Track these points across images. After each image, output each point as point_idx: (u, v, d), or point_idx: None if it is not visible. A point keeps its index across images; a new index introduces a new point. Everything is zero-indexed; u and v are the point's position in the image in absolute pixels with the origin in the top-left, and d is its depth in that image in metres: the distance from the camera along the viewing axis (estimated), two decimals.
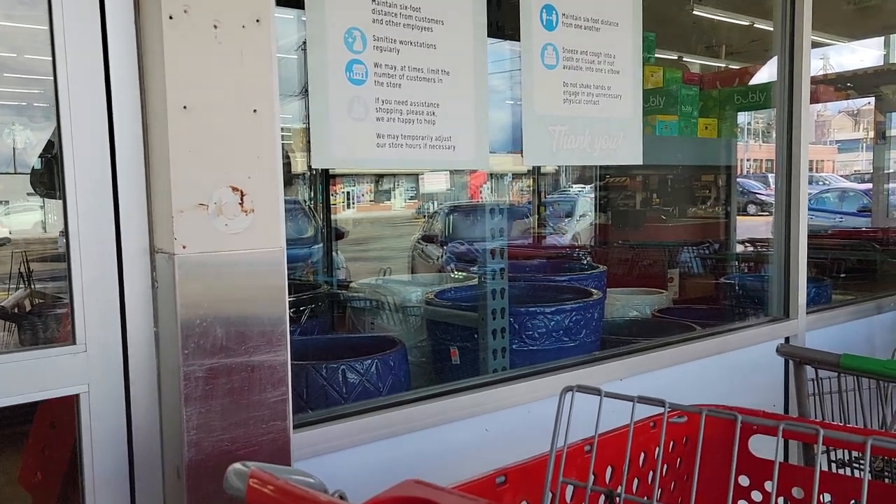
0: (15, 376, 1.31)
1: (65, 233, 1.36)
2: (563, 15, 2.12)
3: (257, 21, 1.43)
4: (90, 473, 1.40)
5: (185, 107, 1.35)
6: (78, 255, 1.36)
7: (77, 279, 1.37)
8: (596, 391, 1.16)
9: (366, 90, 1.75)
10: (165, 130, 1.34)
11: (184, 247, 1.36)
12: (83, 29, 1.35)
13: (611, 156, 2.26)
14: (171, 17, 1.33)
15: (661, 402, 1.13)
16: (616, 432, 1.24)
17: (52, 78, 1.34)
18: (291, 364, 2.01)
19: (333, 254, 5.48)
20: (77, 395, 1.38)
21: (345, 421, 1.79)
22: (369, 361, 2.06)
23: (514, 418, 2.04)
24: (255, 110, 1.43)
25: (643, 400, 1.14)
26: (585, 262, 4.27)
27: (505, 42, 2.22)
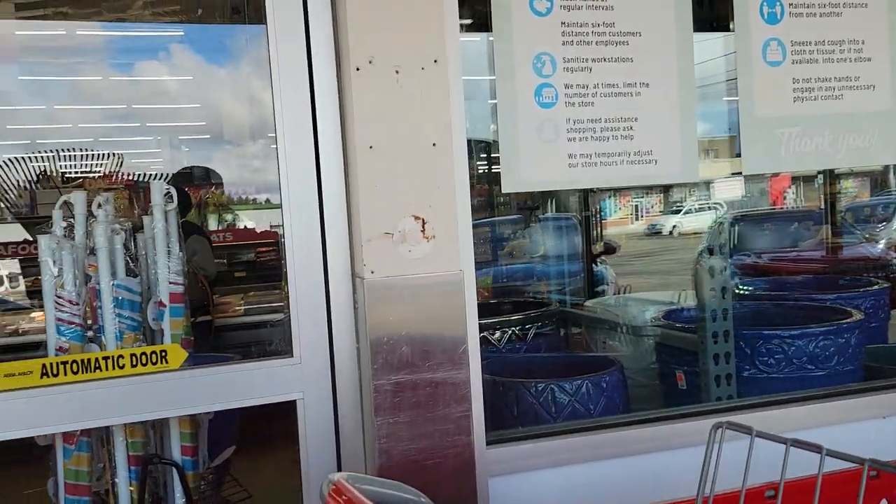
0: (246, 382, 1.58)
1: (283, 259, 1.60)
2: (791, 5, 1.88)
3: (435, 61, 1.54)
4: (306, 469, 1.62)
5: (370, 147, 1.51)
6: (293, 279, 1.60)
7: (293, 300, 1.60)
8: (747, 430, 1.02)
9: (556, 112, 1.76)
10: (356, 169, 1.52)
11: (372, 272, 1.51)
12: (295, 82, 1.58)
13: (862, 156, 1.94)
14: (357, 69, 1.50)
15: (817, 448, 0.96)
16: (797, 481, 1.07)
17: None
18: (502, 381, 2.08)
19: (601, 268, 5.41)
20: (294, 401, 1.61)
21: (546, 440, 1.80)
22: (579, 381, 2.04)
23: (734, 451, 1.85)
24: (433, 144, 1.54)
25: (798, 444, 0.97)
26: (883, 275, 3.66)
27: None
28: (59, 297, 1.65)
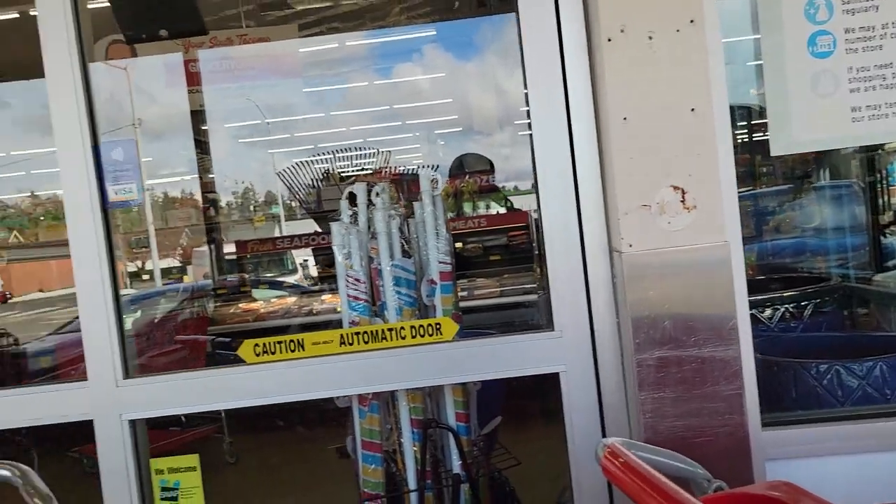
0: (512, 354, 1.66)
1: (535, 240, 1.66)
2: None
3: (691, 21, 1.47)
4: (571, 438, 1.67)
5: (624, 118, 1.49)
6: (551, 255, 1.64)
7: (553, 274, 1.65)
8: None
9: (834, 61, 1.58)
10: (609, 142, 1.51)
11: (630, 245, 1.50)
12: (547, 62, 1.62)
13: None
14: (609, 40, 1.49)
15: None
16: None
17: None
18: (776, 361, 1.94)
19: (891, 240, 4.74)
20: (557, 374, 1.66)
21: (833, 425, 1.64)
22: (871, 364, 1.81)
23: None
24: (692, 109, 1.47)
25: None
26: None
27: None
28: (349, 277, 1.88)
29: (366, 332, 1.68)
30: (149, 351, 3.86)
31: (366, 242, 1.96)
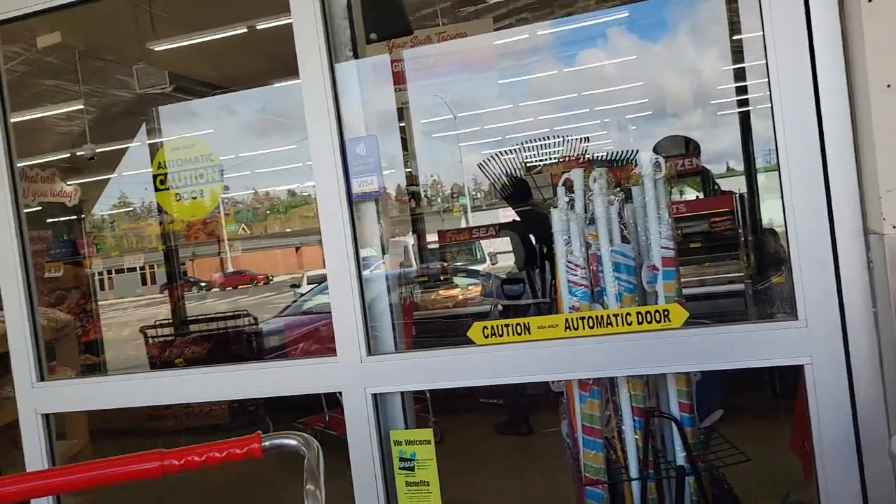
0: (747, 344, 1.58)
1: (784, 218, 1.55)
2: None
3: None
4: (818, 437, 1.55)
5: (888, 85, 1.35)
6: (795, 237, 1.53)
7: (795, 260, 1.54)
8: None
9: None
10: (868, 112, 1.37)
11: (894, 227, 1.36)
12: (791, 31, 1.50)
13: None
14: (869, 0, 1.35)
15: None
16: None
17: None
18: None
19: None
20: (801, 366, 1.55)
21: None
22: None
23: None
24: None
25: None
26: None
27: None
28: (570, 263, 1.89)
29: (591, 318, 1.68)
30: None
31: (583, 228, 1.95)
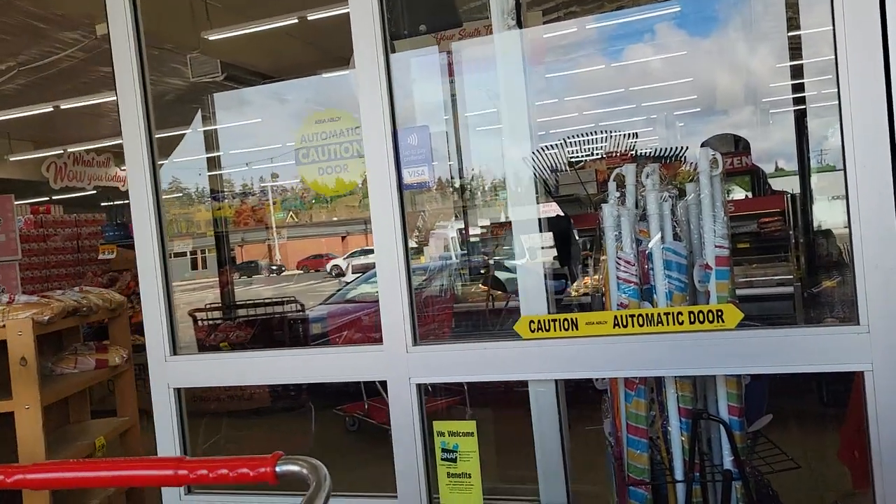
0: (804, 348, 1.53)
1: (847, 221, 1.50)
2: None
3: None
4: (876, 446, 1.50)
5: None
6: (859, 238, 1.48)
7: (859, 265, 1.49)
8: None
9: None
10: None
11: None
12: (864, 24, 1.45)
13: None
14: None
15: None
16: None
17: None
18: None
19: None
20: (860, 373, 1.50)
21: None
22: None
23: None
24: None
25: None
26: None
27: None
28: (619, 259, 1.86)
29: (640, 315, 1.66)
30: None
31: (635, 224, 1.92)
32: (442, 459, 1.78)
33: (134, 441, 3.01)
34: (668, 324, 1.63)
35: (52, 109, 8.93)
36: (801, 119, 5.59)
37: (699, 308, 1.62)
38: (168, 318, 2.02)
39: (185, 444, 2.04)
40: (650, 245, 1.87)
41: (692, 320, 1.61)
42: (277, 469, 0.92)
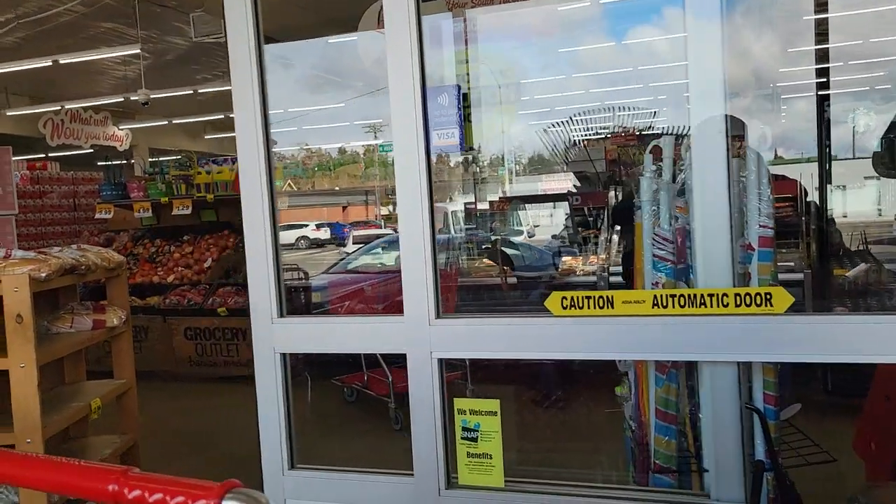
0: (855, 337, 1.44)
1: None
2: None
3: None
4: None
5: None
6: None
7: None
8: None
9: None
10: None
11: None
12: None
13: None
14: None
15: None
16: None
17: None
18: None
19: None
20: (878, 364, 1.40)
21: None
22: None
23: None
24: None
25: None
26: None
27: None
28: (657, 236, 1.75)
29: (682, 296, 1.55)
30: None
31: (673, 199, 1.81)
32: (462, 438, 1.69)
33: (131, 404, 2.92)
34: (712, 305, 1.53)
35: (50, 64, 8.70)
36: (821, 105, 5.46)
37: (746, 290, 1.52)
38: (276, 279, 1.82)
39: (290, 414, 1.86)
40: (689, 222, 1.77)
41: (738, 303, 1.51)
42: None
